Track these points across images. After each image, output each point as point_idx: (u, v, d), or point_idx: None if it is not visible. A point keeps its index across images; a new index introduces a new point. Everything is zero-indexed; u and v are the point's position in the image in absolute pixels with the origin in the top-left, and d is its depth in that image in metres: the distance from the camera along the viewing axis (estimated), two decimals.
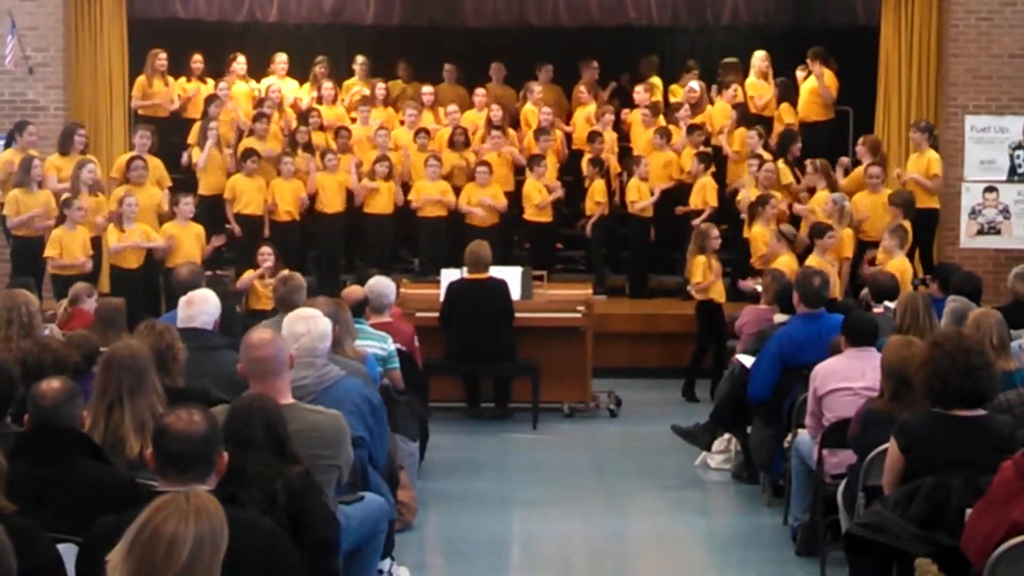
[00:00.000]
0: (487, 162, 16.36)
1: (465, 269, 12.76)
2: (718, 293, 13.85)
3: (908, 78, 16.43)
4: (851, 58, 17.08)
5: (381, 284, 10.71)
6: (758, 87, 17.17)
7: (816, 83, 16.73)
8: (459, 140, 16.73)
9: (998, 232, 15.59)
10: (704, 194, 15.80)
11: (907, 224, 13.67)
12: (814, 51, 16.85)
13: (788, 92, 17.08)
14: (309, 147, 16.32)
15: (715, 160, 16.40)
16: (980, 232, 15.61)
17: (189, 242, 14.32)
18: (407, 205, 16.25)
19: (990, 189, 15.59)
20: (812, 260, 12.89)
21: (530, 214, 16.23)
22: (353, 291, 10.37)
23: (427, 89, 17.69)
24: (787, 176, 15.49)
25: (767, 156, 15.58)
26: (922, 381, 6.29)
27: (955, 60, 16.10)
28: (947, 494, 5.98)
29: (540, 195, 16.14)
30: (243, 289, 13.90)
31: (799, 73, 17.16)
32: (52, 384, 5.55)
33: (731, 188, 16.05)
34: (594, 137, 16.60)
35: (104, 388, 6.13)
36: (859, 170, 15.24)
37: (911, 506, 6.04)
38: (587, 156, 16.52)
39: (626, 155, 17.00)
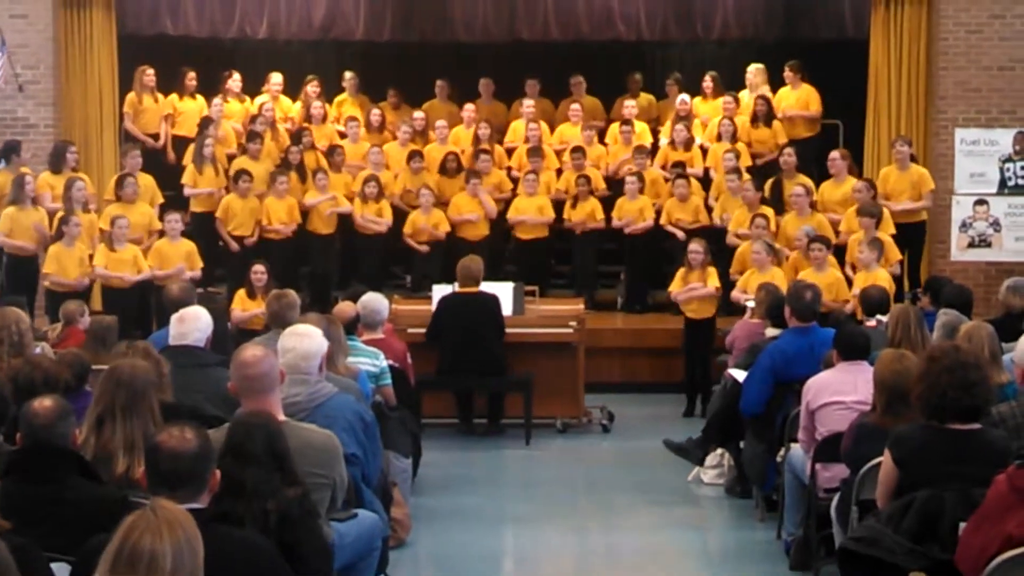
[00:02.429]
0: (477, 171, 16.38)
1: (456, 283, 12.78)
2: (692, 310, 13.86)
3: (898, 91, 16.45)
4: (840, 71, 17.09)
5: (374, 300, 10.70)
6: (747, 103, 17.15)
7: (796, 99, 16.79)
8: (451, 167, 16.69)
9: (989, 245, 15.60)
10: (697, 214, 15.81)
11: (881, 236, 13.68)
12: (792, 65, 16.86)
13: (769, 110, 16.92)
14: (301, 167, 16.32)
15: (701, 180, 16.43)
16: (971, 245, 15.62)
17: (179, 260, 14.34)
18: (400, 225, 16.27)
19: (980, 202, 15.60)
20: (806, 274, 12.88)
21: (522, 231, 16.25)
22: (345, 308, 10.36)
23: (418, 115, 17.63)
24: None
25: (746, 176, 15.53)
26: (919, 395, 6.28)
27: (944, 73, 16.13)
28: (940, 508, 5.98)
29: (536, 212, 16.19)
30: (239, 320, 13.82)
31: (766, 95, 17.10)
32: (44, 403, 5.55)
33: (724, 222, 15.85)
34: (579, 152, 16.65)
35: (98, 401, 6.12)
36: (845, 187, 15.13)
37: (904, 520, 6.04)
38: (573, 173, 16.53)
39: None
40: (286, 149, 16.64)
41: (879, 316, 10.57)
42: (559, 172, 16.98)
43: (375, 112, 17.66)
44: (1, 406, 6.03)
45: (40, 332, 11.58)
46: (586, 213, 16.23)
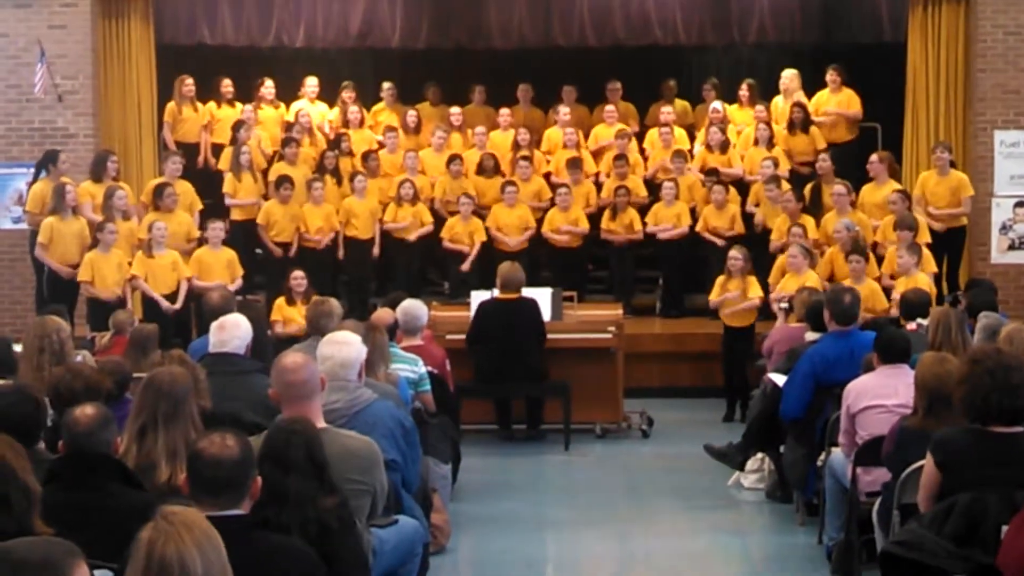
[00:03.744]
0: (514, 182, 16.38)
1: (497, 289, 12.78)
2: (729, 316, 13.82)
3: (936, 94, 16.40)
4: (878, 74, 17.03)
5: (414, 307, 10.72)
6: (782, 109, 17.10)
7: (837, 103, 16.71)
8: (488, 166, 16.72)
9: None
10: (732, 222, 15.77)
11: (919, 242, 13.65)
12: (835, 67, 16.78)
13: (806, 116, 16.84)
14: (336, 172, 16.35)
15: (737, 185, 16.39)
16: (1011, 247, 15.56)
17: (220, 269, 14.41)
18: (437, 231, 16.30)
19: (1021, 204, 15.53)
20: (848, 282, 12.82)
21: (558, 242, 16.27)
22: (384, 314, 10.37)
23: (455, 110, 17.74)
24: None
25: (786, 186, 15.47)
26: (961, 398, 6.24)
27: (983, 75, 16.04)
28: (983, 511, 5.95)
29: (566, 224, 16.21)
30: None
31: (802, 101, 16.99)
32: (86, 410, 5.58)
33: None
34: (622, 160, 16.60)
35: (139, 411, 6.14)
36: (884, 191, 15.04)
37: (947, 523, 6.01)
38: (612, 183, 16.52)
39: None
40: (322, 154, 16.69)
41: (919, 319, 10.51)
42: (597, 181, 16.96)
43: (411, 113, 17.69)
44: (36, 414, 6.04)
45: (87, 340, 11.69)
46: (624, 225, 16.23)
